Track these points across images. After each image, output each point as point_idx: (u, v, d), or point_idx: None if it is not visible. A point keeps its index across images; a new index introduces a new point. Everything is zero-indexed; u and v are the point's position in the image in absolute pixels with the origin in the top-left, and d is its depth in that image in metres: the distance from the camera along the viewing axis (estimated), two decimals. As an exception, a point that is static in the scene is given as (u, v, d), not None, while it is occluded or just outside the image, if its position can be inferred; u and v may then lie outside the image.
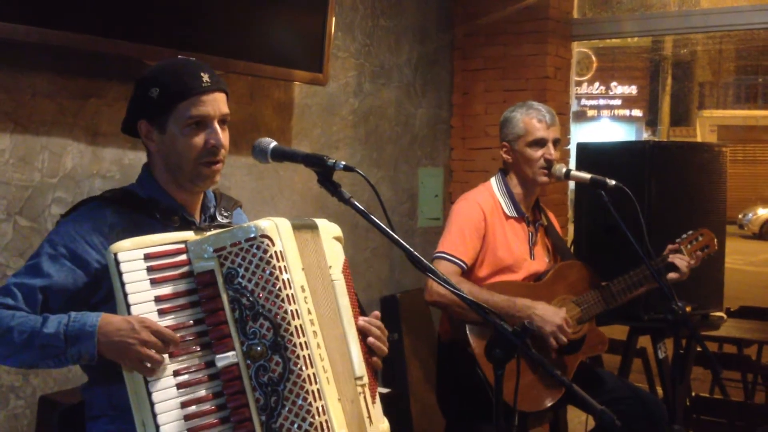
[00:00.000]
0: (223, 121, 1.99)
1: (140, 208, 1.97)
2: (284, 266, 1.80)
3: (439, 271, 2.80)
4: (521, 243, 3.08)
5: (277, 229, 1.81)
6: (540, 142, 3.04)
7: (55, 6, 2.55)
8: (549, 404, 2.95)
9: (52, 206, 2.77)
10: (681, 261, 3.07)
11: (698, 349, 3.68)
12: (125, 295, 1.73)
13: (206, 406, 1.75)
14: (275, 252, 1.78)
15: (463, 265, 2.94)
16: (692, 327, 2.83)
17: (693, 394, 4.08)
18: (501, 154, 3.13)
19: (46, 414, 2.65)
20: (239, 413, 1.75)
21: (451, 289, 1.83)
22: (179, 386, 1.74)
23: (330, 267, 1.99)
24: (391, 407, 4.35)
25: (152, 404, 1.70)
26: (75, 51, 2.70)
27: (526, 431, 3.10)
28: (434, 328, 4.21)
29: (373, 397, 2.01)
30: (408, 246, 1.84)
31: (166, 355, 1.72)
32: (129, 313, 1.73)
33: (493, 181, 3.16)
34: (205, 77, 1.95)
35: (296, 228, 1.88)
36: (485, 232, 3.00)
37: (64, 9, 2.57)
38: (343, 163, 1.89)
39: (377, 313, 2.13)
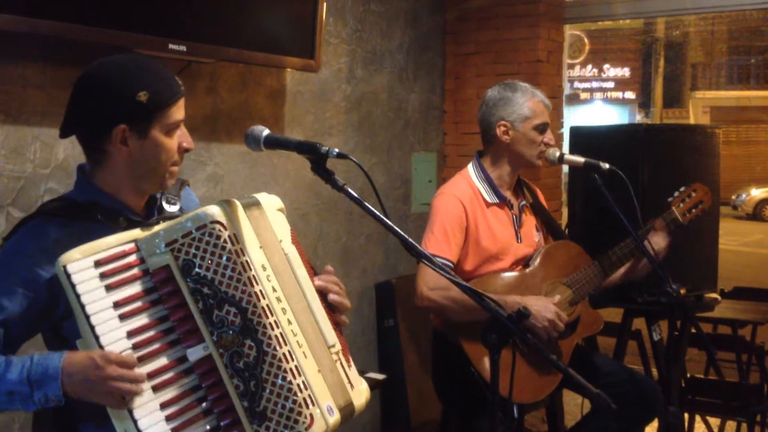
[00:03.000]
0: None
1: (82, 214, 1.88)
2: (240, 249, 1.76)
3: (428, 275, 2.83)
4: (506, 228, 3.06)
5: (227, 213, 1.78)
6: (545, 127, 3.04)
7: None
8: (545, 394, 2.95)
9: (45, 197, 2.76)
10: (657, 243, 3.04)
11: (693, 330, 3.69)
12: (82, 306, 1.67)
13: (186, 402, 1.73)
14: (228, 236, 1.75)
15: (451, 264, 2.92)
16: (686, 309, 2.85)
17: (688, 375, 4.11)
18: (496, 134, 3.05)
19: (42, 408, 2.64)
20: (221, 403, 1.73)
21: (446, 275, 1.83)
22: (155, 388, 1.71)
23: (281, 241, 1.94)
24: (387, 393, 4.38)
25: (131, 410, 1.67)
26: (65, 40, 2.68)
27: (522, 416, 3.11)
28: (430, 315, 4.22)
29: (347, 361, 1.97)
30: (402, 233, 1.83)
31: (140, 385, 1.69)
32: (89, 323, 1.67)
33: (470, 167, 3.12)
34: (180, 81, 1.93)
35: (246, 207, 1.85)
36: (467, 225, 2.97)
37: (53, -2, 2.55)
38: (337, 150, 1.88)
39: (329, 267, 2.06)
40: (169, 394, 1.72)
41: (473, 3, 4.76)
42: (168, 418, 1.70)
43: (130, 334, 1.71)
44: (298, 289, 1.91)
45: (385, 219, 1.86)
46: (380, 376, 3.72)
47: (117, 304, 1.71)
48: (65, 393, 1.70)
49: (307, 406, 1.74)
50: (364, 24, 4.22)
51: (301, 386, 1.75)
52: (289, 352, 1.76)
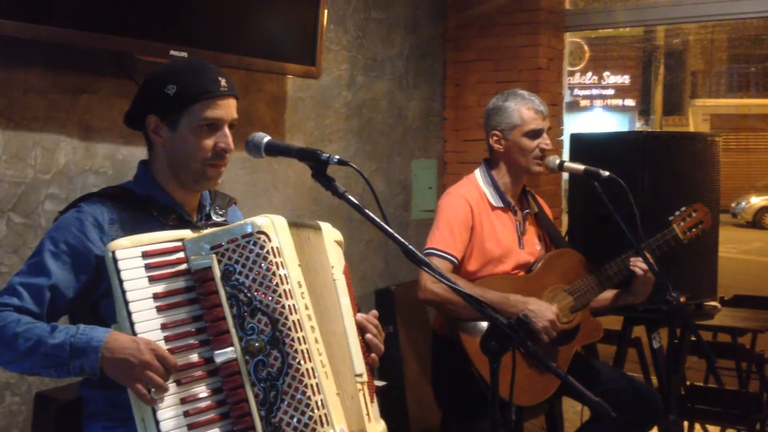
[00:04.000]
0: (231, 125, 2.02)
1: (138, 205, 1.98)
2: (281, 262, 1.80)
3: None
4: (509, 233, 3.08)
5: (274, 226, 1.82)
6: (536, 133, 3.05)
7: (47, 2, 2.54)
8: (545, 397, 2.96)
9: (46, 202, 2.76)
10: (639, 269, 3.03)
11: (693, 338, 3.69)
12: (123, 292, 1.73)
13: (206, 402, 1.76)
14: (272, 248, 1.79)
15: (454, 260, 2.95)
16: (686, 317, 2.84)
17: (687, 383, 4.10)
18: (490, 143, 3.11)
19: (42, 410, 2.65)
20: (239, 408, 1.75)
21: (446, 282, 1.83)
22: (178, 383, 1.74)
23: (333, 267, 2.01)
24: (387, 400, 4.37)
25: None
26: (67, 47, 2.69)
27: (521, 423, 3.11)
28: (429, 320, 4.21)
29: (371, 396, 2.01)
30: (402, 239, 1.84)
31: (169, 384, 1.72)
32: (127, 309, 1.73)
33: (477, 172, 3.16)
34: (223, 81, 1.98)
35: (295, 225, 1.89)
36: (473, 224, 3.01)
37: (55, 4, 2.56)
38: (337, 157, 1.89)
39: (375, 312, 2.14)
40: (191, 390, 1.75)
41: (474, 10, 4.77)
42: (186, 414, 1.73)
43: (164, 327, 1.76)
44: (337, 313, 1.97)
45: (385, 226, 1.86)
46: (380, 383, 3.71)
47: (156, 296, 1.77)
48: (101, 368, 1.74)
49: (322, 425, 1.76)
50: (364, 31, 4.23)
51: (319, 404, 1.76)
52: (312, 368, 1.78)
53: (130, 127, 2.06)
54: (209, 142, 1.97)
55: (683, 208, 3.19)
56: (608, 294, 3.16)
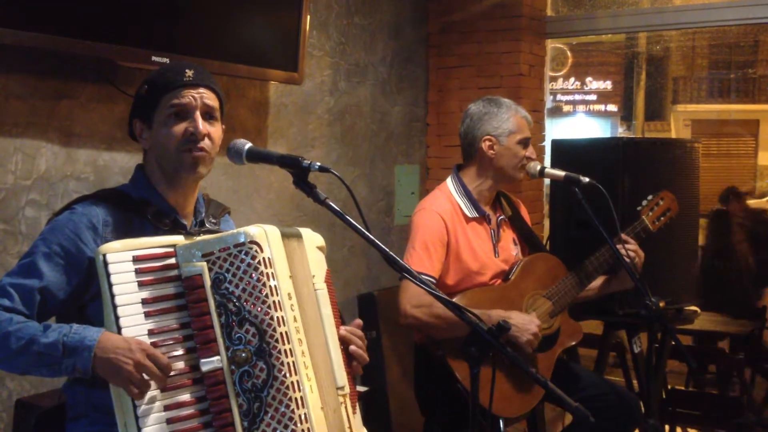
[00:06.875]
0: (209, 116, 2.02)
1: (132, 208, 1.98)
2: (272, 273, 1.80)
3: (411, 292, 2.84)
4: (484, 243, 3.07)
5: (266, 236, 1.82)
6: (527, 142, 3.07)
7: (28, 7, 2.53)
8: (528, 409, 2.96)
9: (26, 208, 2.75)
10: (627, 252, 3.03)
11: (673, 342, 3.72)
12: (112, 296, 1.73)
13: (189, 410, 1.75)
14: (263, 258, 1.79)
15: (433, 280, 2.92)
16: (666, 322, 2.87)
17: (668, 387, 4.13)
18: (479, 147, 3.07)
19: (23, 417, 2.63)
20: (222, 418, 1.75)
21: (429, 290, 1.84)
22: (162, 389, 1.74)
23: (313, 276, 2.00)
24: (369, 405, 4.37)
25: (135, 406, 1.70)
26: (48, 52, 2.68)
27: (502, 429, 3.11)
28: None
29: (353, 407, 2.01)
30: (384, 247, 1.84)
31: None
32: (115, 313, 1.73)
33: (449, 182, 3.14)
34: (189, 73, 2.00)
35: (284, 236, 1.89)
36: (448, 240, 2.98)
37: (37, 10, 2.55)
38: (318, 164, 1.89)
39: (359, 321, 2.14)
40: (174, 397, 1.75)
41: (455, 16, 4.79)
42: (169, 421, 1.72)
43: (151, 333, 1.76)
44: (319, 325, 1.96)
45: (366, 233, 1.86)
46: (362, 388, 3.71)
47: (145, 301, 1.76)
48: (93, 367, 1.73)
49: None
50: (347, 37, 4.24)
51: (303, 418, 1.77)
52: (297, 381, 1.78)
53: (134, 140, 2.08)
54: (179, 129, 1.97)
55: (650, 197, 3.21)
56: (596, 282, 3.16)
